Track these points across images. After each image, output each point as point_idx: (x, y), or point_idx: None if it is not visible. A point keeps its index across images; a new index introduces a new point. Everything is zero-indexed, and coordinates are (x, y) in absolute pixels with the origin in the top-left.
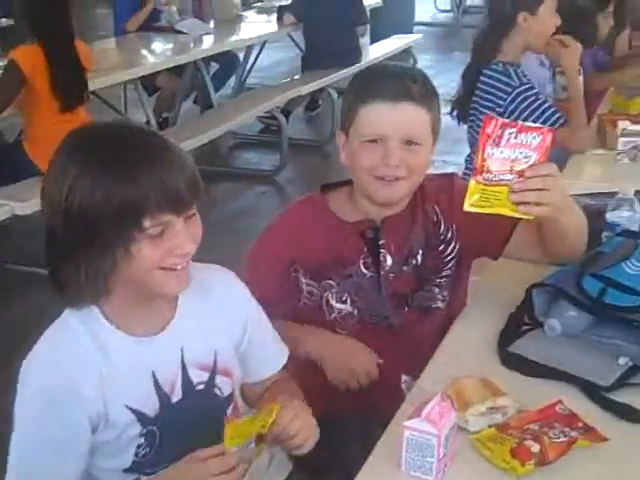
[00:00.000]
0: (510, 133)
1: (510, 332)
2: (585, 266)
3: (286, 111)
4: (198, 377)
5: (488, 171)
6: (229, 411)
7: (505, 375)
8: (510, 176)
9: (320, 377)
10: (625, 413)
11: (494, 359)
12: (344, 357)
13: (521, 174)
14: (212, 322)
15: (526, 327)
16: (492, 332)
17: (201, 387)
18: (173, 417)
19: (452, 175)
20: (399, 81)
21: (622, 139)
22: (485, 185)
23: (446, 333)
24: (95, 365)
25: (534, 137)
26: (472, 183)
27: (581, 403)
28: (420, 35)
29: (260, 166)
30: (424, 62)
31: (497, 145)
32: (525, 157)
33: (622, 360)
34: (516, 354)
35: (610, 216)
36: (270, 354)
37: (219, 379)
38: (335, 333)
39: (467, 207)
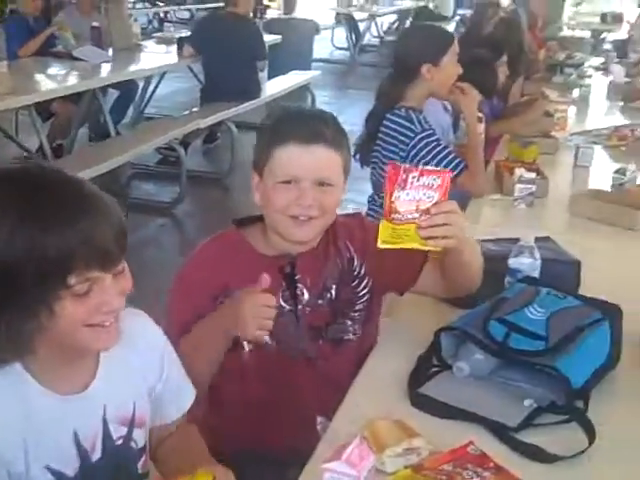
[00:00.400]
0: (413, 177)
1: (420, 373)
2: (490, 311)
3: (185, 143)
4: (118, 432)
5: (396, 212)
6: (140, 463)
7: (417, 416)
8: (417, 214)
9: (228, 416)
10: (532, 453)
11: (406, 400)
12: (237, 314)
13: (426, 212)
14: (132, 372)
15: (435, 369)
16: (402, 373)
17: (120, 442)
18: (91, 475)
19: (360, 214)
20: (312, 124)
21: (518, 186)
22: (394, 224)
23: (359, 367)
24: (17, 425)
25: (434, 179)
26: (382, 223)
27: (492, 444)
28: (319, 72)
29: (159, 198)
30: (322, 99)
31: (403, 188)
32: (428, 197)
33: (527, 402)
34: (426, 395)
35: (512, 262)
36: (181, 394)
37: (136, 432)
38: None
39: (380, 244)
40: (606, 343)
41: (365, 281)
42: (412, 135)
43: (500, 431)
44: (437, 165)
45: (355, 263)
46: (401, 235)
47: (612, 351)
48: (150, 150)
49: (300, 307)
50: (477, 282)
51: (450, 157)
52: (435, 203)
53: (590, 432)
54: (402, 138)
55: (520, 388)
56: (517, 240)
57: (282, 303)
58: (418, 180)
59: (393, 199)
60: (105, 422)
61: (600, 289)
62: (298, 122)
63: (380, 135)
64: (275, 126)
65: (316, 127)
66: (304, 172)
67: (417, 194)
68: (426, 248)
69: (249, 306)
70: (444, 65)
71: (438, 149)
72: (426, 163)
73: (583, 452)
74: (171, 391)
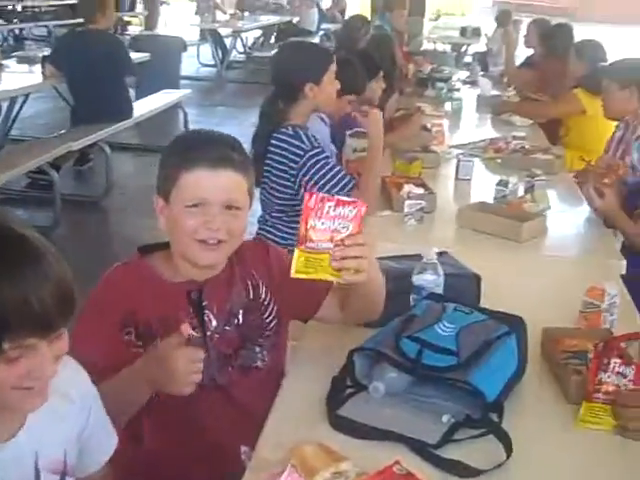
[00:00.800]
0: (329, 206)
1: (336, 396)
2: (401, 329)
3: (55, 166)
4: None
5: (311, 240)
6: None
7: (338, 438)
8: (331, 244)
9: (146, 451)
10: (454, 468)
11: (325, 423)
12: (167, 372)
13: (340, 243)
14: (63, 420)
15: (350, 390)
16: (319, 396)
17: None
18: None
19: (264, 241)
20: (219, 149)
21: (408, 202)
22: (309, 253)
23: (268, 393)
24: None
25: (350, 210)
26: (297, 252)
27: (416, 462)
28: (189, 90)
29: (32, 224)
30: (190, 117)
31: (319, 217)
32: (343, 227)
33: (445, 418)
34: (345, 417)
35: (416, 280)
36: (106, 439)
37: None
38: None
39: (293, 274)
40: (514, 355)
41: (271, 308)
42: (302, 153)
43: (421, 449)
44: (327, 182)
45: (261, 290)
46: (315, 265)
47: (520, 362)
48: (21, 174)
49: (209, 334)
50: (378, 312)
51: (340, 175)
52: (350, 234)
53: (507, 444)
54: (292, 157)
55: (436, 404)
56: (418, 256)
57: (191, 331)
58: (334, 210)
59: (308, 227)
60: (37, 471)
61: (496, 300)
62: (206, 146)
63: (269, 155)
64: (181, 150)
65: (224, 151)
66: (212, 196)
67: (332, 224)
68: (338, 281)
69: (181, 364)
70: (325, 83)
71: (328, 167)
72: (316, 181)
73: (502, 464)
74: (96, 436)
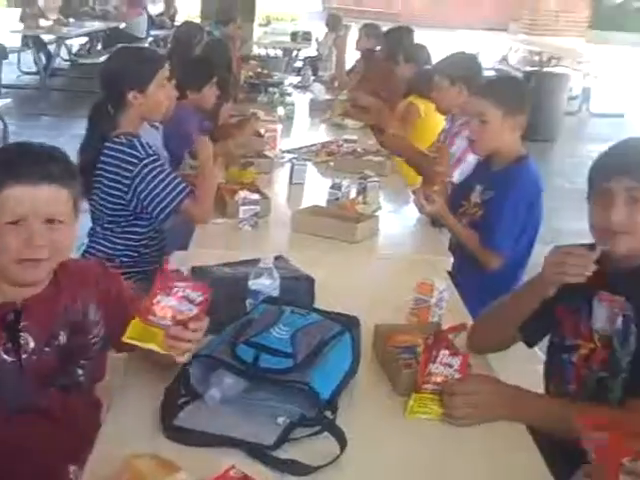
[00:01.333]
0: (180, 287)
1: (170, 406)
2: (237, 334)
3: None
4: None
5: (153, 314)
6: None
7: (174, 448)
8: (169, 322)
9: None
10: (289, 468)
11: (160, 434)
12: None
13: (179, 322)
14: None
15: (185, 399)
16: (152, 408)
17: None
18: None
19: (102, 262)
20: (38, 162)
21: (242, 208)
22: (147, 324)
23: (94, 411)
24: None
25: (198, 295)
26: (136, 320)
27: (253, 464)
28: (9, 100)
29: None
30: (12, 128)
31: (167, 295)
32: (188, 309)
33: (280, 419)
34: (181, 427)
35: (252, 284)
36: None
37: None
38: None
39: (125, 339)
40: (348, 353)
41: (98, 329)
42: (136, 162)
43: (257, 451)
44: (163, 190)
45: (89, 310)
46: (149, 336)
47: (354, 360)
48: None
49: (25, 356)
50: None
51: (175, 182)
52: (193, 318)
53: (341, 439)
54: (125, 165)
55: (272, 407)
56: (254, 261)
57: (3, 356)
58: (183, 291)
59: (154, 302)
60: None
61: (331, 302)
62: (24, 161)
63: (100, 165)
64: (0, 166)
65: (44, 165)
66: (32, 211)
67: (178, 304)
68: (164, 353)
69: None
70: (152, 91)
71: (162, 175)
72: (152, 189)
73: (336, 459)
74: None
